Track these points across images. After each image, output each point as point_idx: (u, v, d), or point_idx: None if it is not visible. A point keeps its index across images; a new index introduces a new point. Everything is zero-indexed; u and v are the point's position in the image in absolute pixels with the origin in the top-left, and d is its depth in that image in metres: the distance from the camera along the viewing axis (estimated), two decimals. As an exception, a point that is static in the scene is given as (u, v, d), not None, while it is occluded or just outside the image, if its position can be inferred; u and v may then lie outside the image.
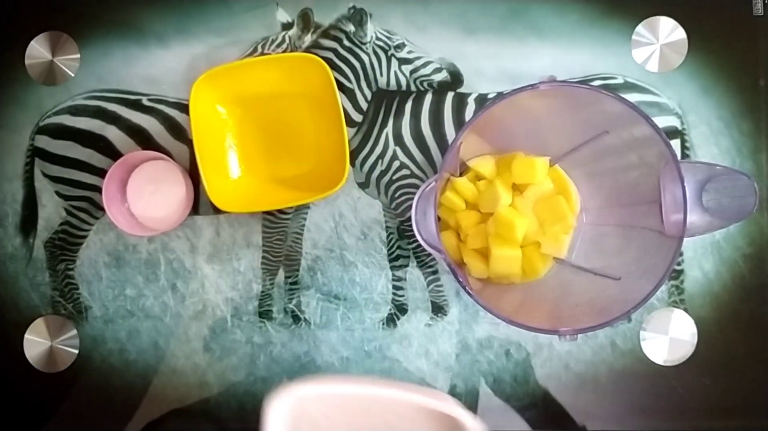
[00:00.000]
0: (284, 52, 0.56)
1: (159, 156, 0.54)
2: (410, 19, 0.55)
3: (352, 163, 0.55)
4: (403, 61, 0.55)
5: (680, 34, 0.55)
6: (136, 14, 0.56)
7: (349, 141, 0.54)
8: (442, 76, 0.55)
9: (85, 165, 0.56)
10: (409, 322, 0.55)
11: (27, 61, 0.56)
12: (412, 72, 0.55)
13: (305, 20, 0.56)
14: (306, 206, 0.55)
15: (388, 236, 0.55)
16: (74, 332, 0.55)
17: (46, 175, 0.56)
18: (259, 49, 0.56)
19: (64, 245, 0.56)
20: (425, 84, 0.55)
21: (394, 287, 0.55)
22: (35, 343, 0.55)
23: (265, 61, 0.52)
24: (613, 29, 0.55)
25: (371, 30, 0.55)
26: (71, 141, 0.56)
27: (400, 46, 0.55)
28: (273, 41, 0.56)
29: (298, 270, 0.55)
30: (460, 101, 0.55)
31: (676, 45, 0.55)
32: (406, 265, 0.55)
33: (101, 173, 0.54)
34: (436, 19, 0.55)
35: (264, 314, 0.55)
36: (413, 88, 0.55)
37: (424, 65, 0.55)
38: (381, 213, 0.55)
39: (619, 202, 0.48)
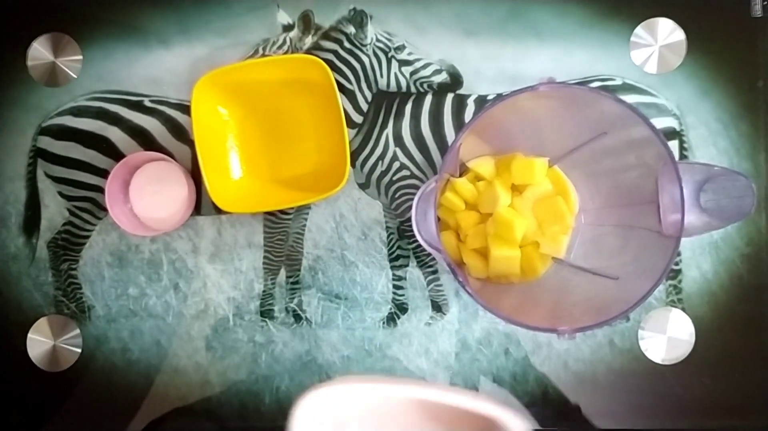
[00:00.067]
0: (285, 53, 0.56)
1: (161, 157, 0.54)
2: (410, 20, 0.56)
3: (353, 164, 0.56)
4: (403, 63, 0.56)
5: (679, 35, 0.55)
6: (138, 16, 0.56)
7: (350, 142, 0.54)
8: (442, 77, 0.56)
9: (87, 166, 0.56)
10: (409, 321, 0.55)
11: (29, 63, 0.57)
12: (412, 73, 0.56)
13: (306, 22, 0.56)
14: (307, 206, 0.56)
15: (388, 236, 0.56)
16: (77, 331, 0.56)
17: (48, 176, 0.56)
18: (260, 51, 0.56)
19: (67, 245, 0.56)
20: (425, 85, 0.56)
21: (395, 286, 0.55)
22: (38, 343, 0.56)
23: (266, 62, 0.52)
24: (612, 31, 0.56)
25: (371, 32, 0.56)
26: (74, 142, 0.56)
27: (400, 48, 0.56)
28: (274, 43, 0.56)
29: (299, 270, 0.56)
30: (460, 102, 0.56)
31: (674, 46, 0.55)
32: (406, 265, 0.56)
33: (104, 174, 0.54)
34: (436, 20, 0.56)
35: (265, 313, 0.56)
36: (413, 89, 0.56)
37: (424, 67, 0.56)
38: (381, 213, 0.56)
39: (618, 203, 0.48)
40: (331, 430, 0.39)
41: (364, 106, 0.56)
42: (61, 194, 0.56)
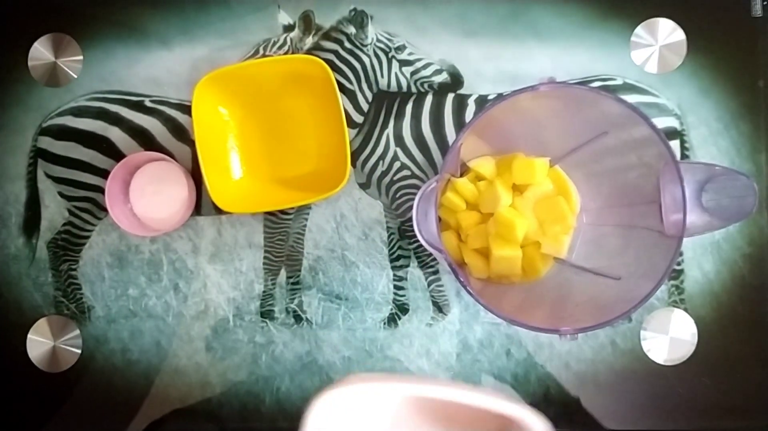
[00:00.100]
0: (286, 53, 0.56)
1: (161, 157, 0.54)
2: (411, 21, 0.56)
3: (353, 164, 0.56)
4: (403, 63, 0.56)
5: (679, 35, 0.55)
6: (139, 16, 0.56)
7: (350, 142, 0.54)
8: (443, 77, 0.56)
9: (87, 166, 0.56)
10: (410, 322, 0.55)
11: (30, 63, 0.57)
12: (412, 73, 0.56)
13: (306, 22, 0.56)
14: (307, 207, 0.56)
15: (389, 236, 0.56)
16: (77, 332, 0.56)
17: (49, 176, 0.56)
18: (261, 51, 0.56)
19: (67, 245, 0.56)
20: (426, 85, 0.56)
21: (395, 287, 0.55)
22: (38, 343, 0.56)
23: (266, 62, 0.52)
24: (612, 31, 0.56)
25: (372, 32, 0.56)
26: (74, 142, 0.56)
27: (400, 48, 0.56)
28: (274, 43, 0.56)
29: (299, 271, 0.56)
30: (461, 102, 0.55)
31: (675, 46, 0.55)
32: (407, 265, 0.55)
33: (104, 174, 0.54)
34: (437, 21, 0.56)
35: (266, 314, 0.55)
36: (414, 89, 0.56)
37: (425, 67, 0.56)
38: (382, 213, 0.56)
39: (619, 203, 0.48)
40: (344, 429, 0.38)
41: (365, 106, 0.56)
42: (61, 194, 0.56)
